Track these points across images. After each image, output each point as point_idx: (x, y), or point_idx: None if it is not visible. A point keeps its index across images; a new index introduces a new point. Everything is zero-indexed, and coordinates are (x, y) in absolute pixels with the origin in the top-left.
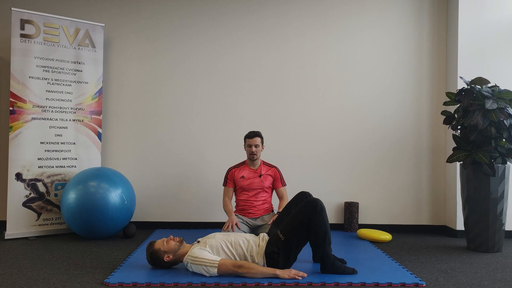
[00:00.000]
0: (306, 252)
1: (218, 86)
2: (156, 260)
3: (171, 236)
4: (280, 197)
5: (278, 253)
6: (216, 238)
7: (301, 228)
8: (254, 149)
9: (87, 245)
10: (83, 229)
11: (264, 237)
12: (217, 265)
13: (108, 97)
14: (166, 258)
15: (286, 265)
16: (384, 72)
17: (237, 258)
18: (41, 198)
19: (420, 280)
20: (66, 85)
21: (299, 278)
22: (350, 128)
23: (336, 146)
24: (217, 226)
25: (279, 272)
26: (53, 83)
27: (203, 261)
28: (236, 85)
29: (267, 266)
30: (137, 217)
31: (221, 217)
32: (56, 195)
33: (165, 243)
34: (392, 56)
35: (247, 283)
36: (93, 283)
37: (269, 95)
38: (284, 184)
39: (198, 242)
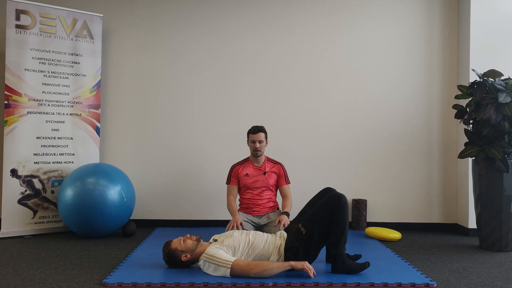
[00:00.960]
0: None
1: (220, 78)
2: (173, 260)
3: (188, 235)
4: (284, 196)
5: (298, 248)
6: (234, 237)
7: (324, 222)
8: (258, 145)
9: (85, 244)
10: (81, 227)
11: (281, 234)
12: (230, 266)
13: (106, 90)
14: (184, 258)
15: (305, 259)
16: (393, 64)
17: (251, 259)
18: (37, 195)
19: (431, 281)
20: (63, 77)
21: (310, 272)
22: (358, 123)
23: (343, 142)
24: (220, 225)
25: (293, 262)
26: (49, 76)
27: (217, 260)
28: (238, 78)
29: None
30: (136, 215)
31: (224, 215)
32: (52, 192)
33: (182, 242)
34: (402, 48)
35: (265, 284)
36: (91, 283)
37: (273, 88)
38: (288, 182)
39: (215, 240)
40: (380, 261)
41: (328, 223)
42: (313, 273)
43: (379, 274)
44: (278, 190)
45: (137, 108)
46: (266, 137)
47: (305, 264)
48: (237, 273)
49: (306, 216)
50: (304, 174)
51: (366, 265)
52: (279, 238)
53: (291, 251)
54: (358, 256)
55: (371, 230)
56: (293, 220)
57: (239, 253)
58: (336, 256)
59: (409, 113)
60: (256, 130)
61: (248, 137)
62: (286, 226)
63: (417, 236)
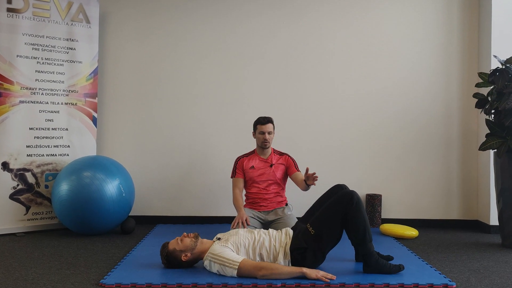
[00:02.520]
0: (348, 251)
1: (224, 65)
2: (173, 262)
3: (185, 233)
4: (300, 181)
5: (306, 249)
6: (239, 235)
7: (334, 222)
8: (267, 136)
9: (81, 241)
10: (77, 224)
11: (287, 232)
12: (237, 266)
13: (104, 78)
14: (184, 258)
15: (313, 263)
16: (410, 51)
17: (258, 258)
18: (30, 190)
19: (450, 281)
20: (57, 64)
21: (327, 280)
22: (372, 114)
23: (356, 134)
24: (224, 221)
25: (306, 270)
26: (43, 63)
27: (224, 260)
28: (244, 65)
29: (292, 263)
30: (136, 211)
31: (229, 211)
32: (46, 186)
33: (180, 242)
34: (419, 33)
35: (273, 284)
36: (87, 284)
37: (281, 76)
38: (299, 170)
39: (219, 239)
40: (396, 261)
41: (338, 224)
42: (331, 277)
43: (395, 275)
44: (288, 180)
45: (136, 97)
46: (274, 129)
47: (319, 274)
48: (244, 274)
49: (315, 215)
50: (313, 169)
51: (401, 267)
52: (285, 236)
53: (297, 252)
54: (390, 258)
55: (386, 227)
56: (300, 219)
57: (244, 251)
58: (366, 255)
59: (426, 103)
60: (265, 120)
61: (255, 128)
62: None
63: (435, 234)
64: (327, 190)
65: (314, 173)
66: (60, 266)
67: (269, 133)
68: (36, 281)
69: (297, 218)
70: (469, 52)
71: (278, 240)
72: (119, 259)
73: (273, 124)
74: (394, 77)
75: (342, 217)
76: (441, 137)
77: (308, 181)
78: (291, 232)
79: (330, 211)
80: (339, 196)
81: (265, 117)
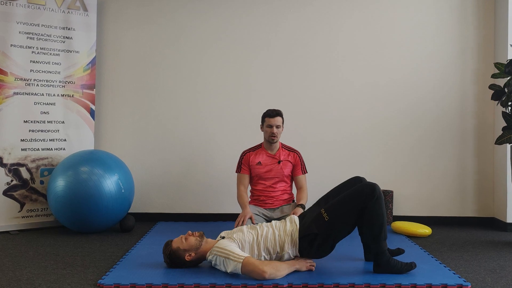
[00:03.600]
0: (357, 249)
1: (229, 55)
2: (176, 261)
3: (189, 232)
4: (299, 187)
5: (316, 235)
6: (244, 232)
7: (351, 213)
8: (275, 130)
9: (78, 240)
10: (74, 222)
11: (292, 219)
12: (241, 260)
13: (102, 69)
14: (187, 257)
15: (321, 251)
16: (422, 39)
17: (263, 253)
18: (24, 185)
19: (465, 281)
20: (53, 54)
21: (312, 268)
22: (383, 106)
23: (366, 127)
24: (228, 218)
25: (298, 265)
26: (38, 53)
27: (228, 253)
28: (249, 55)
29: (300, 251)
30: (136, 208)
31: (233, 208)
32: (42, 182)
33: (184, 241)
34: (432, 21)
35: (279, 284)
36: (84, 284)
37: (287, 67)
38: (304, 172)
39: (223, 237)
40: (408, 260)
41: (355, 215)
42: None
43: (406, 274)
44: (293, 180)
45: (136, 89)
46: (283, 122)
47: (307, 264)
48: (247, 271)
49: (330, 202)
50: (322, 163)
51: (413, 265)
52: (290, 224)
53: (307, 239)
54: (400, 251)
55: (398, 224)
56: (312, 205)
57: (248, 247)
58: (378, 254)
59: (440, 95)
60: (274, 113)
61: (263, 121)
62: None
63: (449, 232)
64: (342, 181)
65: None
66: (56, 266)
67: (278, 126)
68: (31, 281)
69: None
70: (485, 41)
71: (283, 229)
72: (118, 258)
73: (282, 118)
74: (405, 68)
75: (360, 209)
76: (455, 131)
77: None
78: (296, 219)
79: (349, 201)
80: (360, 187)
81: (274, 109)
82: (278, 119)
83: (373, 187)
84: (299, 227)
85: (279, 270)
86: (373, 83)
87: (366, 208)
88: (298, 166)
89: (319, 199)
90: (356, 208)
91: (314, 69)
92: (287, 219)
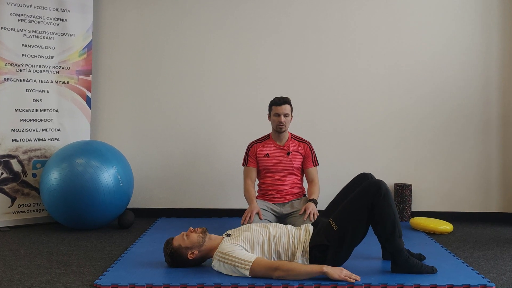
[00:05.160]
0: (374, 247)
1: (235, 39)
2: (178, 260)
3: (191, 228)
4: (310, 180)
5: (327, 246)
6: (252, 230)
7: (359, 216)
8: (283, 118)
9: (73, 237)
10: (68, 218)
11: (307, 228)
12: (249, 267)
13: (99, 53)
14: (190, 256)
15: (335, 263)
16: (444, 22)
17: (274, 256)
18: (15, 179)
19: (489, 281)
20: (47, 38)
21: (351, 281)
22: (401, 94)
23: (383, 116)
24: (234, 214)
25: (327, 269)
26: (30, 36)
27: (234, 260)
28: (256, 39)
29: (311, 261)
30: (135, 203)
31: (240, 203)
32: (34, 175)
33: (186, 238)
34: (454, 2)
35: (289, 285)
36: (80, 285)
37: (298, 52)
38: (316, 164)
39: (228, 235)
40: (428, 259)
41: (364, 218)
42: (355, 278)
43: (427, 275)
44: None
45: (136, 75)
46: (291, 111)
47: (342, 274)
48: (258, 274)
49: (338, 209)
50: (335, 156)
51: (434, 269)
52: (304, 233)
53: (318, 249)
54: (421, 257)
55: (417, 221)
56: (321, 213)
57: (258, 249)
58: (395, 253)
59: (462, 81)
60: (281, 101)
61: (270, 109)
62: (314, 216)
63: (472, 228)
64: (351, 179)
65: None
66: (50, 265)
67: (285, 115)
68: (22, 282)
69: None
70: (511, 23)
71: (297, 236)
72: (116, 257)
73: (290, 106)
74: (425, 53)
75: (368, 210)
76: (478, 120)
77: (301, 211)
78: (311, 228)
79: (355, 203)
80: (364, 187)
81: (281, 97)
82: (286, 107)
83: (378, 184)
84: (311, 236)
85: (291, 274)
86: (390, 70)
87: (374, 207)
88: (309, 158)
89: (328, 206)
90: (364, 210)
91: (326, 54)
92: (302, 227)
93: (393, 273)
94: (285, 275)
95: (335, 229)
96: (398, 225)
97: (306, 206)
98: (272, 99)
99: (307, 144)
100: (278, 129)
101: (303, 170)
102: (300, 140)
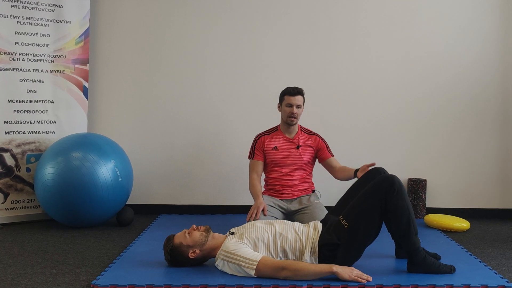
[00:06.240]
0: (386, 245)
1: (240, 26)
2: (178, 259)
3: (194, 226)
4: (336, 169)
5: (338, 245)
6: (257, 227)
7: (372, 213)
8: (295, 110)
9: (69, 235)
10: (64, 215)
11: (316, 225)
12: (255, 266)
13: (97, 41)
14: (191, 255)
15: (346, 262)
16: (460, 8)
17: (280, 254)
18: (8, 173)
19: (508, 282)
20: (41, 25)
21: (363, 281)
22: (415, 85)
23: (396, 109)
24: (239, 211)
25: (336, 268)
26: (24, 23)
27: (239, 259)
28: (263, 25)
29: (320, 260)
30: (134, 199)
31: (245, 199)
32: (28, 169)
33: (188, 236)
34: None
35: (297, 285)
36: (77, 285)
37: (307, 39)
38: (332, 154)
39: (232, 233)
40: (444, 258)
41: (377, 215)
42: (367, 278)
43: (442, 274)
44: (316, 164)
45: (135, 64)
46: (303, 102)
47: (353, 274)
48: (264, 275)
49: (348, 206)
50: (345, 150)
51: (452, 269)
52: (313, 230)
53: (327, 248)
54: (437, 257)
55: (432, 218)
56: (331, 211)
57: (262, 247)
58: (411, 251)
59: (479, 71)
60: (295, 91)
61: (282, 99)
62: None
63: (490, 226)
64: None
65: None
66: (45, 265)
67: (298, 106)
68: (15, 282)
69: (326, 208)
70: None
71: (305, 234)
72: (115, 256)
73: (303, 97)
74: (441, 41)
75: (381, 207)
76: (496, 111)
77: (359, 173)
78: (320, 226)
79: (367, 200)
80: (376, 183)
81: (295, 87)
82: (299, 98)
83: (391, 179)
84: (320, 234)
85: (299, 274)
86: (403, 59)
87: (387, 203)
88: (324, 149)
89: (337, 202)
90: (377, 207)
91: (336, 42)
92: (311, 224)
93: (409, 273)
94: (292, 275)
95: (346, 227)
96: (414, 222)
97: (362, 168)
98: (280, 88)
99: (318, 136)
100: (289, 121)
101: (313, 164)
102: (310, 133)
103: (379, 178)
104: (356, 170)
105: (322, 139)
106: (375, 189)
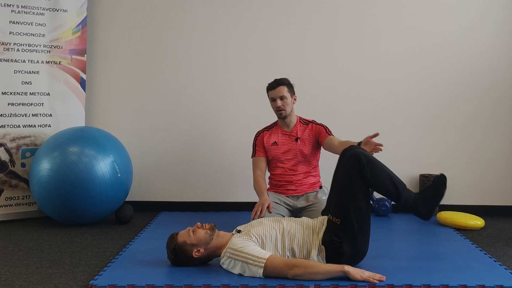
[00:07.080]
0: (395, 245)
1: (244, 14)
2: (182, 258)
3: (198, 224)
4: (337, 145)
5: (340, 243)
6: (264, 225)
7: (355, 196)
8: (279, 102)
9: (66, 233)
10: (61, 212)
11: (324, 222)
12: (263, 264)
13: (94, 31)
14: (195, 254)
15: (355, 257)
16: None
17: (288, 253)
18: (3, 169)
19: None
20: (37, 14)
21: (375, 281)
22: (427, 77)
23: (408, 101)
24: (243, 208)
25: (348, 268)
26: (19, 12)
27: (246, 257)
28: (268, 14)
29: (328, 259)
30: (134, 195)
31: (250, 196)
32: (23, 165)
33: (192, 234)
34: None
35: (304, 285)
36: (74, 286)
37: (313, 28)
38: (332, 134)
39: (239, 231)
40: (457, 257)
41: (361, 197)
42: (379, 278)
43: (455, 274)
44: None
45: (134, 55)
46: (292, 91)
47: (365, 275)
48: (271, 274)
49: (332, 201)
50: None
51: (442, 178)
52: (320, 226)
53: (332, 246)
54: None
55: (445, 215)
56: (323, 210)
57: (270, 245)
58: (411, 205)
59: (495, 62)
60: (273, 84)
61: (268, 96)
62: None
63: (506, 224)
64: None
65: (378, 145)
66: (40, 264)
67: (282, 98)
68: (10, 283)
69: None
70: None
71: (313, 231)
72: (113, 255)
73: (287, 86)
74: (454, 31)
75: (360, 185)
76: None
77: (367, 146)
78: (326, 221)
79: (344, 188)
80: (343, 167)
81: (275, 79)
82: (280, 89)
83: (354, 156)
84: (323, 232)
85: (308, 272)
86: (415, 49)
87: (365, 179)
88: (322, 132)
89: (327, 201)
90: (357, 187)
91: (344, 32)
92: (319, 219)
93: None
94: (302, 273)
95: (338, 223)
96: (397, 180)
97: (365, 140)
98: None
99: (314, 123)
100: (279, 114)
101: (315, 155)
102: (306, 122)
103: (344, 161)
104: (359, 143)
105: (317, 123)
106: (347, 174)
